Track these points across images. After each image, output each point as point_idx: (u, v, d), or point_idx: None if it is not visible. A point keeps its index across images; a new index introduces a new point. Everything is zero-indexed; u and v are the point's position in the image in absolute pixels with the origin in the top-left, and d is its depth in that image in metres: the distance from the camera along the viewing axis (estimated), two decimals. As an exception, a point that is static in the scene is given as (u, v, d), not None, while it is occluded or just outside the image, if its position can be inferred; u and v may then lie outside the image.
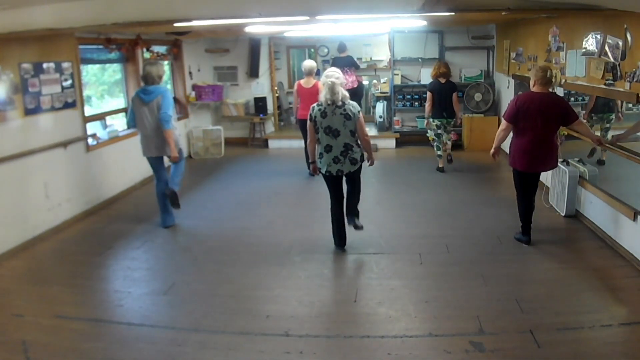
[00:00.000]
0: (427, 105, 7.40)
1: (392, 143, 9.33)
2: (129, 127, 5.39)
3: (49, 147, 5.33)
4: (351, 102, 4.44)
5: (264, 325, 3.52)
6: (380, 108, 9.56)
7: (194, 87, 9.17)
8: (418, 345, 3.26)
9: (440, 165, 7.53)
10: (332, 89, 4.29)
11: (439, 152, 7.53)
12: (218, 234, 5.31)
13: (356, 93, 9.88)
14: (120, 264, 4.73)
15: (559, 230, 5.13)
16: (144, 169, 7.20)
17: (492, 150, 4.75)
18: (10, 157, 4.79)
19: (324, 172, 4.51)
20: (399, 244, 4.90)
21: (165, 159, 5.41)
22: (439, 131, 7.42)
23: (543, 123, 4.39)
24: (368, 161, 4.70)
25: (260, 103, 9.62)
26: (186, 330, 3.49)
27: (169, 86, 8.86)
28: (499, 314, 3.55)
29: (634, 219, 4.20)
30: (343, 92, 4.35)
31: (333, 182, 4.59)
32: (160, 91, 5.13)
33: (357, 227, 4.72)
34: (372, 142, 9.11)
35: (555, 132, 4.54)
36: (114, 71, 7.38)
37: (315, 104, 4.43)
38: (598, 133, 5.66)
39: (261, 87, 9.83)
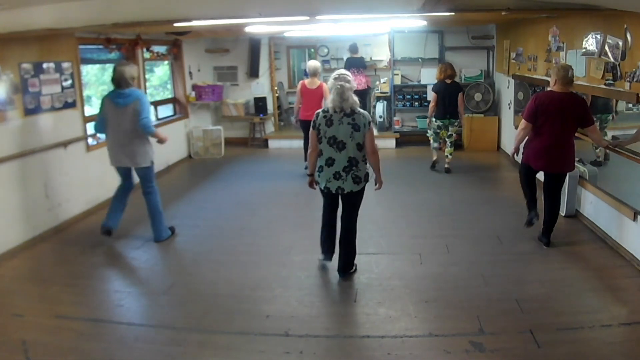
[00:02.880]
0: (431, 105, 7.41)
1: (392, 143, 9.33)
2: (97, 133, 4.92)
3: (49, 147, 5.33)
4: (362, 111, 3.93)
5: (264, 325, 3.52)
6: (380, 108, 9.57)
7: (194, 87, 9.17)
8: (418, 345, 3.26)
9: (434, 158, 7.56)
10: (341, 94, 3.78)
11: (435, 144, 7.56)
12: (218, 234, 5.31)
13: (365, 95, 10.00)
14: (120, 264, 4.72)
15: (559, 230, 5.11)
16: (144, 169, 7.22)
17: (512, 150, 4.78)
18: (10, 157, 4.79)
19: (322, 188, 4.08)
20: (399, 244, 4.90)
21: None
22: (439, 131, 7.44)
23: (562, 123, 4.34)
24: (376, 184, 4.14)
25: (260, 103, 9.62)
26: (186, 330, 3.49)
27: (168, 86, 8.88)
28: (499, 314, 3.55)
29: (634, 219, 4.19)
30: (353, 98, 3.85)
31: (331, 198, 4.15)
32: (136, 95, 4.74)
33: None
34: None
35: (574, 133, 4.47)
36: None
37: (320, 110, 3.97)
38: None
39: (261, 87, 9.83)
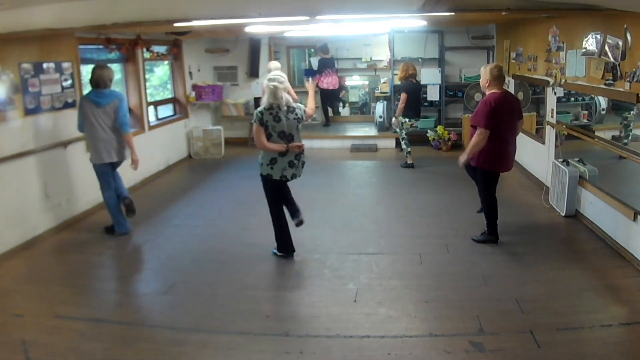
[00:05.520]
0: (401, 105, 7.53)
1: (391, 143, 9.34)
2: (81, 132, 5.20)
3: (49, 147, 5.33)
4: (299, 104, 4.38)
5: (264, 325, 3.53)
6: (380, 108, 9.58)
7: (194, 87, 9.16)
8: (418, 345, 3.26)
9: (410, 162, 7.74)
10: (274, 93, 4.16)
11: (409, 149, 7.77)
12: (218, 233, 5.31)
13: (337, 94, 10.18)
14: (120, 263, 4.72)
15: (559, 230, 5.13)
16: (144, 169, 7.21)
17: (464, 159, 4.52)
18: (10, 157, 4.79)
19: (277, 178, 4.33)
20: (399, 244, 4.90)
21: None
22: (410, 130, 7.73)
23: (511, 121, 4.46)
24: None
25: (260, 103, 9.60)
26: (186, 330, 3.49)
27: (168, 86, 8.88)
28: (499, 314, 3.55)
29: (634, 219, 4.19)
30: (286, 97, 4.24)
31: (283, 186, 4.49)
32: (117, 95, 5.08)
33: (301, 222, 4.66)
34: (372, 142, 9.32)
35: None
36: (114, 71, 7.37)
37: (262, 108, 4.24)
38: (606, 133, 5.70)
39: (261, 87, 9.80)
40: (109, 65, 5.34)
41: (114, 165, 5.18)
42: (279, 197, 4.52)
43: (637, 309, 3.62)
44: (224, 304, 3.83)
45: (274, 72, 4.42)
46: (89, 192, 5.98)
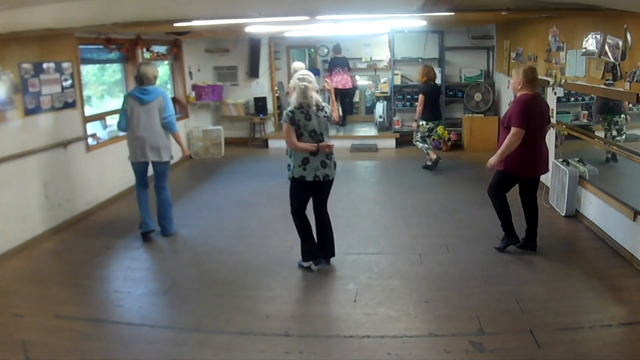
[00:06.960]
0: (420, 108, 7.41)
1: (392, 143, 9.34)
2: (121, 131, 5.14)
3: (49, 147, 5.33)
4: (325, 104, 4.30)
5: (264, 325, 3.52)
6: (380, 108, 9.58)
7: (194, 87, 9.17)
8: (418, 345, 3.26)
9: (434, 156, 7.48)
10: (305, 92, 4.11)
11: (425, 146, 7.56)
12: (218, 234, 5.31)
13: (350, 94, 10.11)
14: (120, 264, 4.72)
15: (559, 230, 5.13)
16: (144, 169, 7.22)
17: (495, 161, 4.39)
18: (10, 157, 4.79)
19: (311, 179, 4.17)
20: (399, 244, 4.90)
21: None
22: (429, 134, 7.56)
23: (542, 124, 4.40)
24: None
25: (260, 103, 9.62)
26: (186, 330, 3.49)
27: (168, 86, 8.87)
28: (499, 314, 3.55)
29: (634, 219, 4.19)
30: (316, 97, 4.18)
31: (316, 188, 4.29)
32: (160, 92, 5.00)
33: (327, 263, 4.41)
34: (372, 142, 9.32)
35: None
36: (114, 71, 7.38)
37: (292, 107, 4.15)
38: (601, 134, 5.69)
39: (261, 87, 9.83)
40: (153, 63, 5.39)
41: (155, 167, 5.09)
42: (305, 201, 4.35)
43: (637, 309, 3.62)
44: (224, 304, 3.83)
45: (301, 71, 4.31)
46: (88, 192, 5.99)
